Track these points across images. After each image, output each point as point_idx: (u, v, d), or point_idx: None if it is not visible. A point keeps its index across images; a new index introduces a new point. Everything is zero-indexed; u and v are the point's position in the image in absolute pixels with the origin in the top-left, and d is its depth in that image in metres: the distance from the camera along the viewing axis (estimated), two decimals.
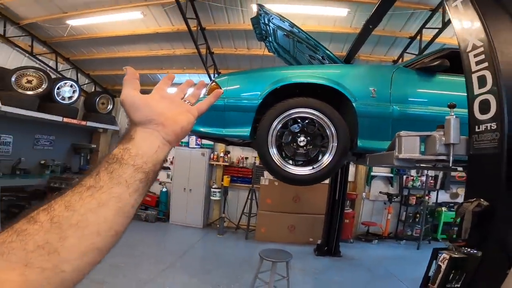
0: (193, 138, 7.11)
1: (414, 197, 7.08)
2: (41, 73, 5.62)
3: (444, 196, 7.30)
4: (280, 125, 2.48)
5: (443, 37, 4.74)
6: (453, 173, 7.08)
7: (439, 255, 1.41)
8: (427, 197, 6.92)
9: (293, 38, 3.44)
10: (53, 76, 6.05)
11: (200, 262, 4.72)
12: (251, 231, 6.40)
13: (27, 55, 5.88)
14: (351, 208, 6.98)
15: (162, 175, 7.60)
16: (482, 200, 1.31)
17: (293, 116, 2.47)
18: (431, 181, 7.14)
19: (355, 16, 4.83)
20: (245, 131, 2.56)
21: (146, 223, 6.83)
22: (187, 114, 0.57)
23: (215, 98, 0.65)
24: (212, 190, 6.91)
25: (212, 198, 6.95)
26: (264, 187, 6.35)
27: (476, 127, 1.47)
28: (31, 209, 0.40)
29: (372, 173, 7.35)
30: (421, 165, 4.12)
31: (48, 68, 6.26)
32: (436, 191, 7.18)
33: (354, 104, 2.45)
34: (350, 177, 7.22)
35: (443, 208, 6.96)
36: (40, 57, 6.10)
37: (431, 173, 7.17)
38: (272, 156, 2.48)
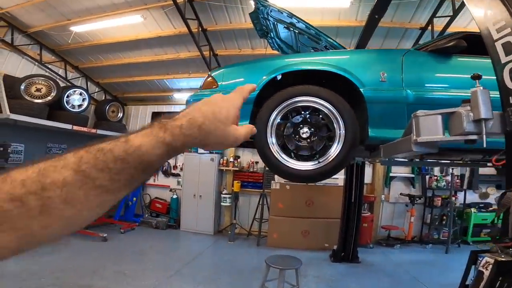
0: None
1: (440, 198, 6.55)
2: (50, 81, 5.67)
3: (472, 197, 6.77)
4: (280, 116, 2.25)
5: (456, 26, 4.41)
6: (481, 171, 6.56)
7: (480, 259, 1.16)
8: (453, 198, 6.41)
9: (293, 29, 3.26)
10: (62, 85, 6.12)
11: (208, 270, 4.49)
12: (262, 237, 6.12)
13: (36, 63, 5.97)
14: (370, 211, 6.58)
15: (173, 182, 7.52)
16: None
17: (294, 106, 2.23)
18: (457, 181, 6.64)
19: (359, 8, 4.58)
20: None
21: (157, 230, 6.72)
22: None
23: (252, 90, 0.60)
24: (222, 196, 6.71)
25: (222, 204, 6.74)
26: (275, 191, 6.08)
27: (511, 98, 1.19)
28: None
29: (391, 174, 6.92)
30: (445, 160, 3.73)
31: (58, 77, 6.34)
32: (463, 191, 6.62)
33: (361, 90, 2.19)
34: (367, 179, 6.82)
35: (472, 209, 6.43)
36: (49, 66, 6.19)
37: (457, 171, 6.67)
38: (272, 150, 2.23)
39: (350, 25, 4.88)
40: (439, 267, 5.04)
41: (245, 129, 0.54)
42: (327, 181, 6.20)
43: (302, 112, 2.24)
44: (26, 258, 4.34)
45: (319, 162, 2.19)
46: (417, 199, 6.65)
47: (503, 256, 1.08)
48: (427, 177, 6.88)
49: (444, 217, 6.40)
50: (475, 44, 1.99)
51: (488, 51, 1.28)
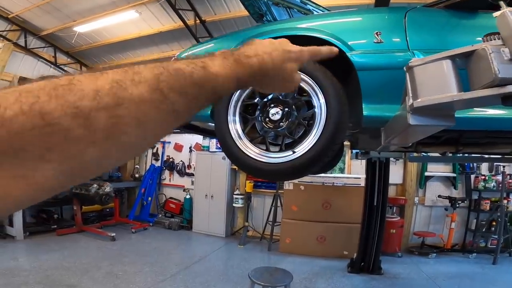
0: (214, 141, 6.68)
1: (488, 201, 5.63)
2: None
3: None
4: (245, 94, 1.79)
5: None
6: None
7: None
8: (505, 201, 5.41)
9: (282, 4, 2.85)
10: None
11: (205, 276, 4.12)
12: (274, 242, 5.62)
13: (52, 66, 6.16)
14: (399, 216, 5.76)
15: (187, 182, 7.34)
16: None
17: None
18: (510, 181, 5.60)
19: None
20: (205, 110, 1.95)
21: (169, 231, 6.55)
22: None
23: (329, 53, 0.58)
24: (235, 196, 6.33)
25: (234, 205, 6.37)
26: (288, 192, 5.56)
27: None
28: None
29: (427, 173, 6.02)
30: (489, 154, 2.98)
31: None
32: None
33: (349, 54, 1.68)
34: (397, 179, 6.06)
35: None
36: (65, 68, 6.36)
37: (509, 169, 5.60)
38: (234, 138, 1.77)
39: (362, 2, 4.26)
40: (484, 281, 4.27)
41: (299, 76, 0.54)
42: (347, 181, 5.58)
43: None
44: (28, 254, 4.40)
45: (293, 153, 1.67)
46: (460, 202, 5.71)
47: None
48: (472, 176, 5.93)
49: (493, 223, 5.49)
50: None
51: None
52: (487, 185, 5.71)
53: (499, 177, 5.56)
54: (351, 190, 5.38)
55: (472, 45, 0.77)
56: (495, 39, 0.75)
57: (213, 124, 2.36)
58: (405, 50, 1.68)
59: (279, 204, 5.83)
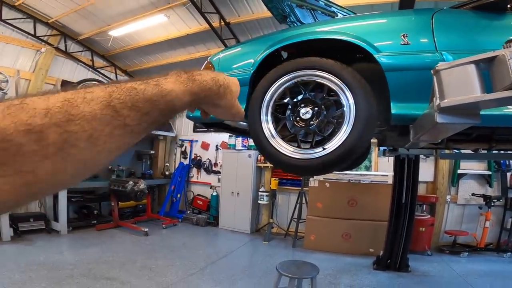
0: (239, 139, 6.83)
1: None
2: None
3: None
4: (277, 95, 1.90)
5: None
6: None
7: None
8: None
9: (305, 6, 2.90)
10: None
11: (232, 270, 4.27)
12: (299, 239, 5.67)
13: (90, 69, 6.57)
14: (430, 214, 5.61)
15: (213, 179, 7.56)
16: None
17: (293, 82, 1.86)
18: None
19: None
20: None
21: (196, 227, 6.80)
22: None
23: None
24: (260, 193, 6.44)
25: (259, 202, 6.48)
26: (313, 189, 5.58)
27: None
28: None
29: (460, 171, 5.80)
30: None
31: (110, 81, 6.92)
32: None
33: (376, 56, 1.74)
34: (428, 177, 5.90)
35: None
36: (101, 71, 6.76)
37: None
38: (267, 136, 1.88)
39: (386, 0, 4.18)
40: None
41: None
42: (374, 178, 5.51)
43: (303, 90, 1.86)
44: (72, 249, 4.78)
45: (323, 149, 1.76)
46: (495, 200, 5.45)
47: None
48: (508, 174, 5.64)
49: None
50: None
51: None
52: None
53: None
54: (378, 187, 5.31)
55: (494, 51, 0.81)
56: None
57: (245, 123, 2.51)
58: (433, 51, 1.71)
59: (304, 201, 5.86)
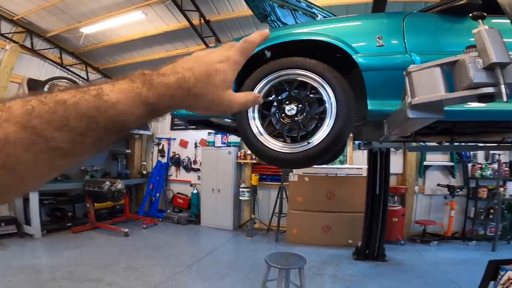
0: (219, 136, 6.86)
1: (485, 189, 5.78)
2: (71, 82, 5.95)
3: None
4: (263, 93, 1.99)
5: None
6: None
7: (501, 272, 0.84)
8: (502, 189, 5.58)
9: (287, 7, 3.02)
10: None
11: (219, 266, 4.35)
12: (281, 233, 5.85)
13: (58, 67, 6.29)
14: (401, 204, 5.97)
15: (193, 177, 7.54)
16: None
17: (277, 81, 1.97)
18: (506, 169, 5.75)
19: None
20: None
21: (178, 225, 6.77)
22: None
23: (261, 38, 0.49)
24: (241, 189, 6.53)
25: (241, 198, 6.57)
26: (293, 183, 5.75)
27: None
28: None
29: (426, 163, 6.22)
30: (483, 143, 3.17)
31: (81, 79, 6.65)
32: None
33: (354, 57, 1.88)
34: (397, 169, 6.25)
35: None
36: (71, 68, 6.49)
37: (505, 158, 5.80)
38: (255, 133, 1.99)
39: (361, 1, 4.41)
40: (483, 267, 4.38)
41: (244, 96, 0.47)
42: (350, 171, 5.78)
43: (287, 88, 1.97)
44: (49, 252, 4.61)
45: (308, 144, 1.89)
46: (458, 190, 5.89)
47: None
48: (469, 165, 6.09)
49: (491, 211, 5.61)
50: (492, 3, 1.63)
51: None
52: (483, 173, 5.88)
53: (495, 166, 5.73)
54: (354, 180, 5.57)
55: (456, 55, 0.96)
56: (472, 51, 0.95)
57: (229, 120, 2.59)
58: (404, 53, 1.89)
59: (284, 196, 6.02)
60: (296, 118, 1.94)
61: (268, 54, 2.41)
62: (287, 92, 1.97)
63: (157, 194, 7.49)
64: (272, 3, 3.03)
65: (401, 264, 4.59)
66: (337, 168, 5.82)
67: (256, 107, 2.00)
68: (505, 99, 0.83)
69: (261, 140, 1.95)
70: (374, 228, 4.83)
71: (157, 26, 5.36)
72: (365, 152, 5.35)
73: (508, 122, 2.00)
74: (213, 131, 6.95)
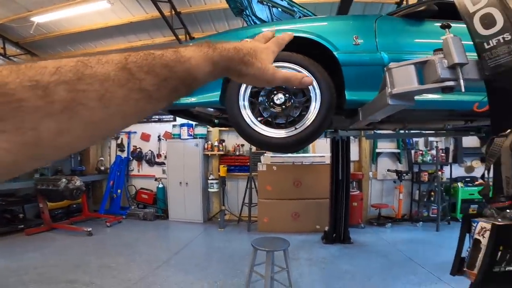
0: (185, 129, 6.77)
1: (426, 173, 6.53)
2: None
3: (458, 171, 6.70)
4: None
5: None
6: (464, 144, 6.58)
7: (474, 224, 1.00)
8: (440, 173, 6.29)
9: (266, 3, 3.16)
10: None
11: (197, 259, 4.39)
12: (253, 223, 6.05)
13: (1, 57, 5.63)
14: (359, 189, 6.54)
15: (157, 171, 7.35)
16: None
17: None
18: (442, 155, 6.56)
19: None
20: (214, 95, 2.25)
21: (145, 222, 6.57)
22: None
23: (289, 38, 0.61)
24: (209, 181, 6.57)
25: (210, 190, 6.61)
26: (262, 173, 5.95)
27: (485, 44, 1.14)
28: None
29: (377, 150, 6.87)
30: (428, 130, 3.67)
31: None
32: (449, 165, 6.56)
33: (335, 53, 2.14)
34: (354, 156, 6.74)
35: (459, 184, 6.37)
36: (15, 59, 5.83)
37: (441, 145, 6.68)
38: (246, 120, 2.14)
39: (328, 0, 4.72)
40: (432, 246, 4.93)
41: (290, 73, 0.55)
42: (314, 159, 6.16)
43: None
44: (6, 256, 4.20)
45: (295, 129, 2.11)
46: (404, 175, 6.58)
47: (500, 219, 0.94)
48: (412, 151, 6.82)
49: (432, 193, 6.30)
50: (447, 9, 1.97)
51: (457, 4, 1.27)
52: (424, 159, 6.63)
53: (434, 152, 6.46)
54: (318, 167, 5.94)
55: (427, 56, 1.21)
56: (440, 54, 1.21)
57: (212, 110, 2.71)
58: (375, 51, 2.22)
59: (253, 186, 6.20)
60: (284, 106, 2.14)
61: None
62: None
63: (119, 191, 7.15)
64: None
65: (365, 246, 5.08)
66: (303, 156, 6.15)
67: (247, 96, 2.15)
68: (463, 90, 1.10)
69: (253, 127, 2.12)
70: (339, 212, 5.24)
71: (121, 17, 5.07)
72: (328, 140, 5.67)
73: (452, 110, 2.42)
74: (178, 124, 6.85)
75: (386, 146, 6.95)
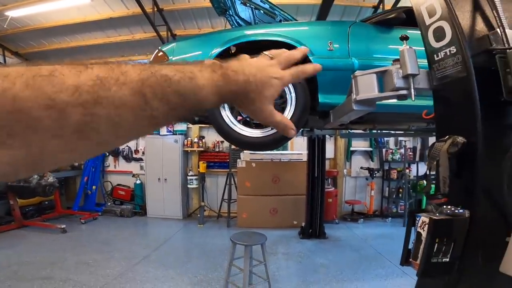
0: None
1: (395, 171, 6.88)
2: None
3: (424, 169, 7.12)
4: None
5: (403, 4, 4.62)
6: (430, 143, 7.02)
7: (417, 218, 1.10)
8: (407, 170, 6.69)
9: (249, 4, 3.27)
10: None
11: (177, 254, 4.45)
12: (232, 218, 6.16)
13: None
14: (333, 186, 6.82)
15: (135, 167, 7.25)
16: (456, 136, 1.06)
17: None
18: (410, 153, 6.98)
19: None
20: None
21: (122, 218, 6.48)
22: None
23: (314, 72, 0.56)
24: (189, 178, 6.58)
25: (189, 186, 6.63)
26: (241, 169, 6.07)
27: (435, 55, 1.28)
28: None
29: (352, 148, 7.19)
30: (396, 130, 3.96)
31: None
32: (416, 164, 6.97)
33: (311, 58, 2.28)
34: (330, 154, 7.02)
35: (425, 181, 6.82)
36: None
37: (410, 144, 7.10)
38: (226, 120, 2.27)
39: (310, 2, 4.89)
40: (399, 241, 5.13)
41: (282, 117, 0.51)
42: (292, 156, 6.37)
43: None
44: None
45: (272, 129, 2.26)
46: (376, 172, 6.92)
47: (438, 214, 1.03)
48: (383, 150, 7.17)
49: (400, 190, 6.65)
50: (414, 17, 2.16)
51: (416, 16, 1.37)
52: (393, 157, 7.00)
53: (402, 150, 6.86)
54: (296, 164, 6.14)
55: (386, 66, 1.36)
56: (397, 64, 1.35)
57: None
58: (347, 57, 2.38)
59: (232, 182, 6.30)
60: None
61: (233, 49, 2.65)
62: None
63: (93, 187, 6.99)
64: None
65: (339, 240, 5.33)
66: (281, 153, 6.33)
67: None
68: (413, 98, 1.26)
69: (232, 126, 2.25)
70: (314, 208, 5.46)
71: (100, 12, 4.97)
72: (305, 138, 5.87)
73: (410, 113, 2.65)
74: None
75: (360, 145, 7.26)
